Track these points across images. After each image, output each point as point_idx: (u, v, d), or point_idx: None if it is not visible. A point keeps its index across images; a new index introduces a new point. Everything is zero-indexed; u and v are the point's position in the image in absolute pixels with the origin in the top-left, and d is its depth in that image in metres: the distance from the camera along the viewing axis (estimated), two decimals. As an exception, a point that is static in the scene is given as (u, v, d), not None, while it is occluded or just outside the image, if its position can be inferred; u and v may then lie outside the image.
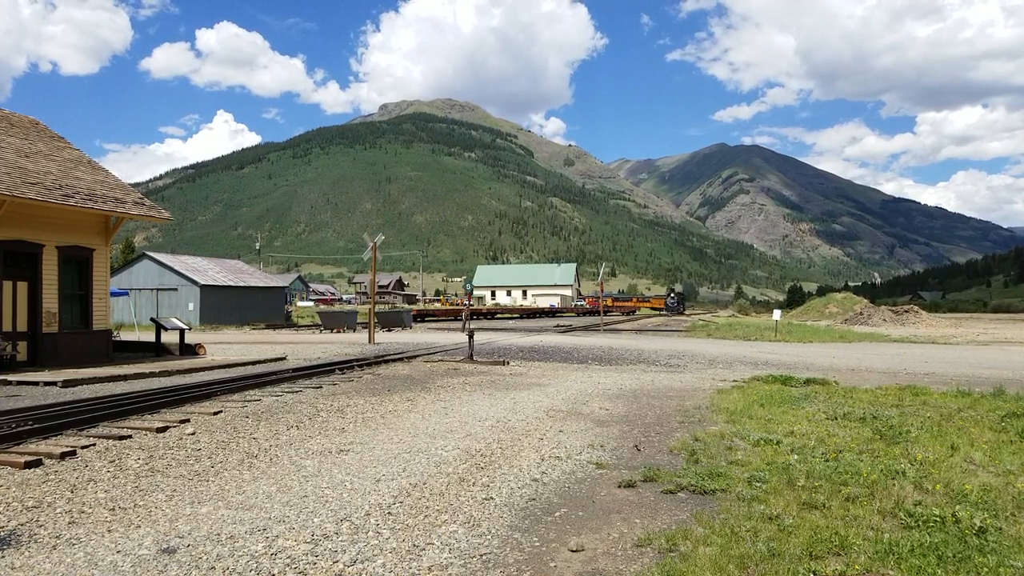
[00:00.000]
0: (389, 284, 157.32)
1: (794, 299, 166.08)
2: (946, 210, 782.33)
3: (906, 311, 65.12)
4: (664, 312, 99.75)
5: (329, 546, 5.00)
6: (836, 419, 10.07)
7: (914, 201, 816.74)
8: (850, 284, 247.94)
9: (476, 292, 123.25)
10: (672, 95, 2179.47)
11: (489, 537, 5.23)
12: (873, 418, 9.98)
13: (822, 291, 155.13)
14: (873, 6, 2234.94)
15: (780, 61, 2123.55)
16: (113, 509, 5.92)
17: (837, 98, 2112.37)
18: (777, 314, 38.69)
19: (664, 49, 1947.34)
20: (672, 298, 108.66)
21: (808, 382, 14.93)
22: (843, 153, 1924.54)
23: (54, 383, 14.15)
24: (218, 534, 5.25)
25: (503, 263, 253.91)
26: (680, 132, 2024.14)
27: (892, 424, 9.39)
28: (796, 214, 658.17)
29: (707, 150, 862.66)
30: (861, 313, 65.32)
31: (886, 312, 64.90)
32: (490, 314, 70.51)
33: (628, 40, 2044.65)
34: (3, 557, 4.81)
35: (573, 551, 4.93)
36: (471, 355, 20.43)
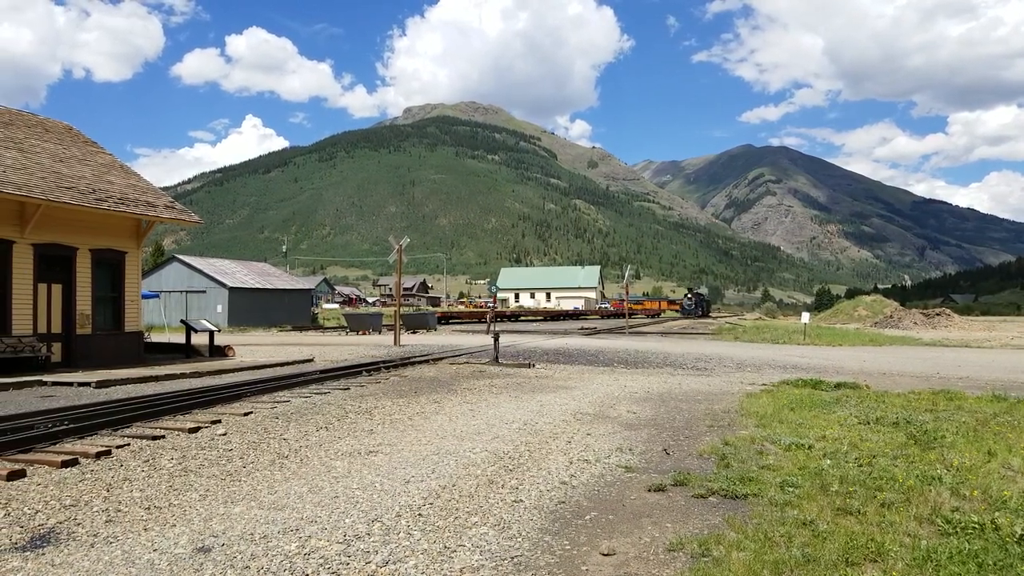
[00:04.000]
0: (413, 286, 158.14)
1: (822, 302, 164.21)
2: (978, 211, 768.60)
3: (937, 314, 64.06)
4: (681, 315, 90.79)
5: (361, 547, 5.03)
6: (869, 424, 9.92)
7: (945, 202, 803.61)
8: (879, 287, 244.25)
9: (500, 295, 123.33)
10: (698, 97, 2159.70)
11: (520, 540, 5.23)
12: (907, 423, 9.81)
13: (851, 294, 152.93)
14: (903, 5, 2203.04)
15: (808, 62, 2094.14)
16: (148, 508, 6.01)
17: (867, 98, 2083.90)
18: (806, 317, 38.28)
19: (690, 51, 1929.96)
20: (689, 299, 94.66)
21: (839, 386, 14.74)
22: (873, 154, 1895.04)
23: (88, 384, 14.41)
24: (251, 534, 5.30)
25: (526, 266, 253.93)
26: (706, 134, 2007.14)
27: (926, 429, 9.23)
28: (824, 216, 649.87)
29: (733, 151, 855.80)
30: (891, 316, 64.38)
31: (917, 315, 63.89)
32: (513, 316, 70.54)
33: (654, 42, 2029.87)
34: (43, 554, 4.90)
35: (604, 555, 4.91)
36: (496, 357, 20.45)
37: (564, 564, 4.75)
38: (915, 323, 60.20)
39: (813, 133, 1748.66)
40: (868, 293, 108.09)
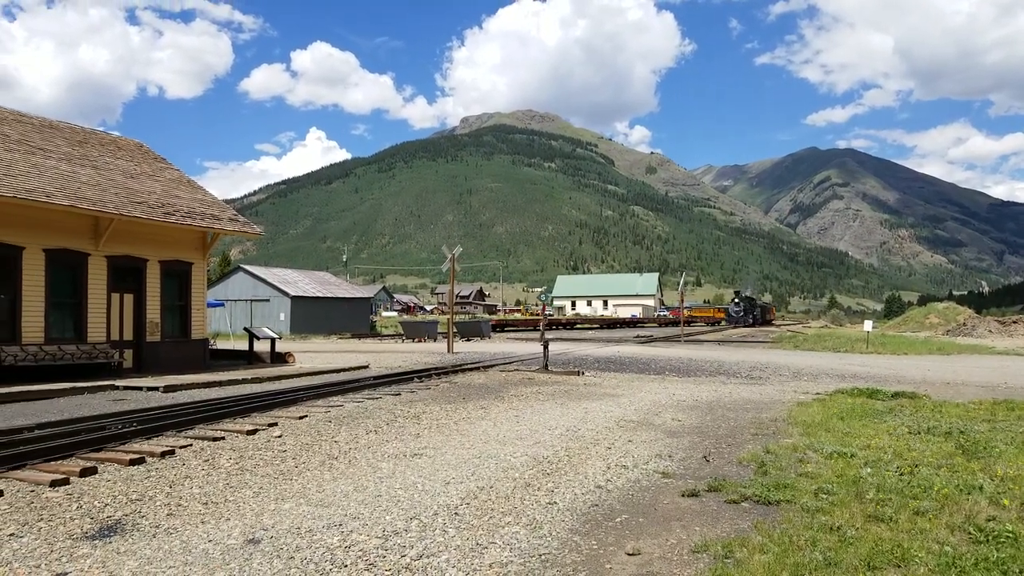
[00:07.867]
0: (470, 294, 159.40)
1: (892, 309, 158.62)
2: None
3: (1014, 321, 61.32)
4: (728, 324, 79.06)
5: (398, 541, 5.32)
6: (919, 433, 9.75)
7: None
8: (954, 293, 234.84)
9: (556, 302, 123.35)
10: (761, 100, 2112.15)
11: (549, 539, 5.43)
12: (960, 433, 9.61)
13: (923, 300, 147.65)
14: (979, 1, 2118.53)
15: (877, 61, 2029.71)
16: (206, 503, 6.44)
17: (940, 98, 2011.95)
18: (868, 325, 37.16)
19: (752, 53, 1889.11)
20: (736, 305, 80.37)
21: (896, 395, 14.43)
22: (947, 155, 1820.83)
23: (156, 388, 15.21)
24: (298, 528, 5.66)
25: (584, 273, 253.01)
26: (769, 137, 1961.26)
27: (977, 439, 9.04)
28: (895, 220, 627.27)
29: (798, 154, 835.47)
30: (964, 324, 61.91)
31: (992, 323, 61.32)
32: (569, 324, 70.52)
33: (716, 45, 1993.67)
34: (110, 542, 5.34)
35: (629, 554, 5.07)
36: (546, 365, 20.63)
37: (589, 562, 4.93)
38: (989, 331, 57.74)
39: (883, 135, 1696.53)
40: (941, 300, 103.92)
